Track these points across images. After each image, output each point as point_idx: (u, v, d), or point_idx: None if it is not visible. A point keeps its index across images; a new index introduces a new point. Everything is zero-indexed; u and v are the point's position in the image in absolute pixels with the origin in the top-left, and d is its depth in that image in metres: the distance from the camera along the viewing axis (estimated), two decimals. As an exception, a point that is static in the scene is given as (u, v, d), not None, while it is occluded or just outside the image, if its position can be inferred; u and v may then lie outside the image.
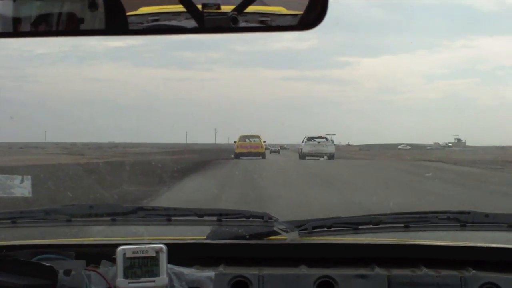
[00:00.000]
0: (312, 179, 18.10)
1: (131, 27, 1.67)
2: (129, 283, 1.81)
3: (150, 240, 2.07)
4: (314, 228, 2.40)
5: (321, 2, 1.61)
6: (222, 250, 2.22)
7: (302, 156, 35.19)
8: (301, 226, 2.40)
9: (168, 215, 2.67)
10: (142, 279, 1.82)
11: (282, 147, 54.47)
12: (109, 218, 2.66)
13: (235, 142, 35.26)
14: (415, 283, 2.02)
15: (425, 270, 2.06)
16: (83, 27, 1.66)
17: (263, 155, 33.08)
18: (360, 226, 2.48)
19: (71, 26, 1.66)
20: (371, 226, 2.50)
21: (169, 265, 1.87)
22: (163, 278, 1.83)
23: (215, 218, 2.64)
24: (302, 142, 37.48)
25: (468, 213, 2.61)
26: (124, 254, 1.82)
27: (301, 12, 1.65)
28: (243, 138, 34.84)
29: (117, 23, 1.64)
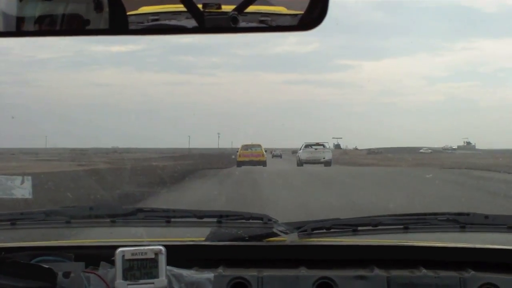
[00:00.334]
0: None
1: (133, 27, 1.68)
2: (128, 285, 1.81)
3: (149, 241, 2.07)
4: (313, 229, 2.40)
5: (322, 2, 1.61)
6: (221, 252, 2.22)
7: (300, 163, 35.37)
8: (301, 227, 2.39)
9: (167, 217, 2.67)
10: (141, 281, 1.82)
11: (275, 155, 54.59)
12: (108, 220, 2.66)
13: (237, 151, 35.74)
14: (414, 284, 2.02)
15: (424, 271, 2.06)
16: (86, 27, 1.67)
17: (264, 163, 33.55)
18: (359, 228, 2.48)
19: (74, 26, 1.67)
20: (370, 227, 2.49)
21: (168, 267, 1.87)
22: (162, 280, 1.83)
23: (214, 219, 2.64)
24: (300, 149, 37.71)
25: (468, 214, 2.61)
26: (123, 256, 1.82)
27: (302, 12, 1.66)
28: (245, 147, 35.37)
29: (120, 23, 1.65)
